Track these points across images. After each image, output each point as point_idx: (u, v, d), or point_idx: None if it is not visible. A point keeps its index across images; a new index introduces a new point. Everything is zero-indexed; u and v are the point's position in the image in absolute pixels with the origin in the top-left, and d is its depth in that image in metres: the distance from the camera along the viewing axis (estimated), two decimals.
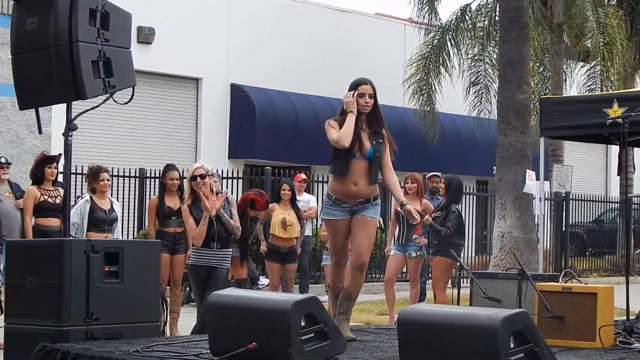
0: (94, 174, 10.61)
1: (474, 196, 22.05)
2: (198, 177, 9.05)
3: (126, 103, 8.40)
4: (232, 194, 16.60)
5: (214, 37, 21.73)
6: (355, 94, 8.50)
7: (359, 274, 8.14)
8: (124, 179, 18.13)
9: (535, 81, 22.84)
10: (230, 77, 22.17)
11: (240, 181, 19.03)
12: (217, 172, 16.37)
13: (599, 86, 22.05)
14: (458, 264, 10.33)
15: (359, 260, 8.07)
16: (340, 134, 8.00)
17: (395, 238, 11.61)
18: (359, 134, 8.20)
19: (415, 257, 11.53)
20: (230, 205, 9.42)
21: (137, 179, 18.33)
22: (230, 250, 9.47)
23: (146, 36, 20.49)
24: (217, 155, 21.63)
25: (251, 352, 6.57)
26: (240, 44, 22.19)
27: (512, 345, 5.90)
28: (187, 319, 11.56)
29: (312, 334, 6.68)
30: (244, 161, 21.89)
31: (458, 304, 10.30)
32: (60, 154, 10.00)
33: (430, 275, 12.17)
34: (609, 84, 22.00)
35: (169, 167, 10.93)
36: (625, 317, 9.55)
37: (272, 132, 21.79)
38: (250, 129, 21.77)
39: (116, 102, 8.22)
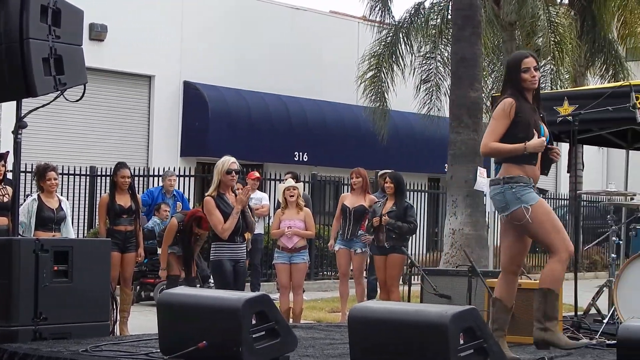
0: (41, 173, 10.51)
1: (426, 193, 22.15)
2: (233, 172, 9.00)
3: (77, 101, 8.34)
4: (184, 192, 16.58)
5: (167, 35, 21.61)
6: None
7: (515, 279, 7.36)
8: (74, 177, 17.99)
9: (488, 79, 23.00)
10: (183, 74, 22.07)
11: (193, 179, 18.97)
12: (172, 170, 16.37)
13: (549, 85, 22.22)
14: (409, 260, 10.36)
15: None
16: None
17: (341, 233, 11.64)
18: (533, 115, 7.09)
19: (360, 253, 11.56)
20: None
21: (87, 177, 18.20)
22: None
23: (98, 33, 20.33)
24: (169, 153, 21.54)
25: (201, 351, 6.55)
26: (193, 42, 22.09)
27: (461, 342, 5.93)
28: (137, 318, 11.51)
29: (263, 332, 6.67)
30: (197, 159, 21.81)
31: (409, 300, 10.35)
32: (8, 152, 9.90)
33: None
34: (559, 82, 22.19)
35: (120, 165, 10.86)
36: (573, 313, 9.66)
37: (225, 130, 21.72)
38: (202, 127, 21.70)
39: (67, 99, 8.16)
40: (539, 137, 6.93)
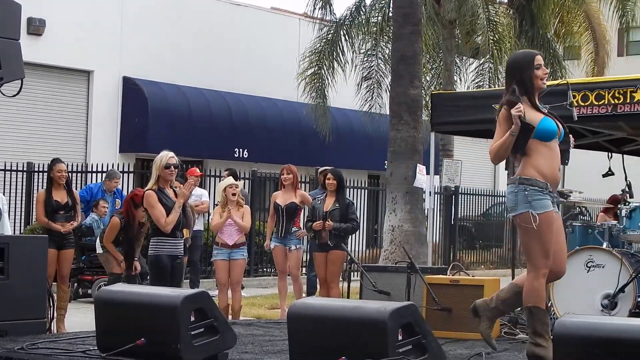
0: None
1: (366, 190, 22.23)
2: (172, 166, 8.91)
3: (14, 95, 8.24)
4: (122, 189, 16.43)
5: (106, 30, 21.42)
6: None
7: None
8: (11, 173, 17.76)
9: (427, 77, 23.14)
10: (122, 70, 21.89)
11: (132, 175, 18.83)
12: (114, 168, 16.22)
13: (487, 83, 22.43)
14: (349, 257, 10.38)
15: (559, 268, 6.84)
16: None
17: (275, 231, 11.64)
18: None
19: (295, 250, 11.57)
20: None
21: (24, 173, 17.97)
22: None
23: (36, 27, 20.08)
24: (107, 149, 21.36)
25: (140, 348, 6.51)
26: (133, 37, 21.93)
27: (400, 338, 5.97)
28: (74, 316, 11.40)
29: (202, 329, 6.65)
30: (136, 155, 21.66)
31: (348, 297, 10.37)
32: None
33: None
34: (497, 81, 22.40)
35: (56, 161, 10.75)
36: None
37: (164, 126, 21.59)
38: (142, 122, 21.55)
39: (4, 94, 8.06)
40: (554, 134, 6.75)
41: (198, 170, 14.73)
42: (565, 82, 9.96)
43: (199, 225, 14.78)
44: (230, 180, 11.44)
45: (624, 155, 12.62)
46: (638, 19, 24.23)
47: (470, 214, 24.52)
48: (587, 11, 25.45)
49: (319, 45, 22.51)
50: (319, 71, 22.33)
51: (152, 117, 21.55)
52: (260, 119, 23.45)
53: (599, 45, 25.81)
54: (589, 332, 5.45)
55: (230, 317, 10.80)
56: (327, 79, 22.34)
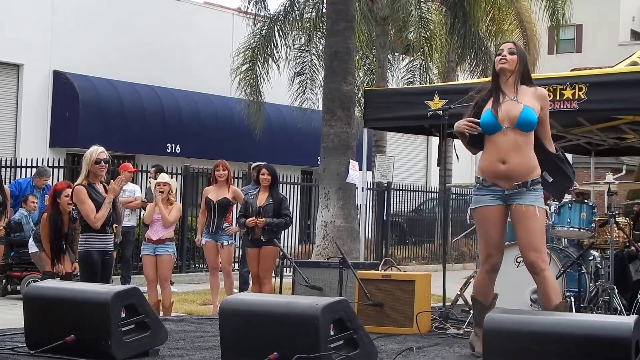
0: None
1: (299, 186, 22.24)
2: (102, 161, 8.79)
3: None
4: (52, 184, 16.21)
5: (36, 23, 21.12)
6: None
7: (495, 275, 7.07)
8: None
9: (361, 73, 23.22)
10: (53, 64, 21.60)
11: (62, 170, 18.60)
12: (40, 162, 16.01)
13: (418, 79, 22.58)
14: (281, 253, 10.39)
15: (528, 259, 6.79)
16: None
17: (206, 226, 11.60)
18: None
19: (226, 245, 11.54)
20: None
21: None
22: None
23: None
24: (37, 143, 21.08)
25: (69, 345, 6.44)
26: (64, 31, 21.65)
27: (332, 333, 5.98)
28: (3, 312, 11.25)
29: (133, 325, 6.61)
30: (66, 150, 21.40)
31: (280, 292, 10.38)
32: None
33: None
34: (428, 77, 22.57)
35: None
36: (441, 304, 9.84)
37: (96, 121, 21.36)
38: (72, 117, 21.29)
39: None
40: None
41: (131, 166, 14.61)
42: None
43: (131, 221, 14.69)
44: (163, 177, 11.36)
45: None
46: (568, 17, 24.59)
47: (403, 209, 24.66)
48: (518, 9, 25.78)
49: (253, 40, 22.48)
50: (253, 67, 22.29)
51: (83, 111, 21.32)
52: (193, 115, 23.32)
53: (529, 43, 26.15)
54: (517, 327, 5.52)
55: (161, 313, 10.74)
56: (262, 75, 22.32)
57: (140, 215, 15.39)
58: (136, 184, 16.21)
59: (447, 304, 9.88)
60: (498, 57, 6.84)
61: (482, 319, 6.62)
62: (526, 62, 6.89)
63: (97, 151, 8.86)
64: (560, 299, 6.74)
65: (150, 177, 15.09)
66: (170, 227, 10.96)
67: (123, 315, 6.54)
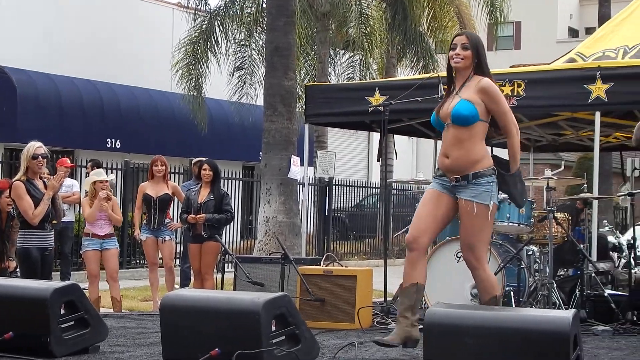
0: None
1: (240, 181, 22.20)
2: (40, 157, 8.66)
3: None
4: None
5: None
6: None
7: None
8: None
9: (302, 69, 23.23)
10: None
11: (0, 165, 18.38)
12: None
13: (358, 75, 22.66)
14: (223, 248, 10.36)
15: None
16: None
17: (146, 222, 11.55)
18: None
19: (168, 241, 11.50)
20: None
21: None
22: None
23: None
24: None
25: (7, 342, 6.37)
26: (1, 24, 21.36)
27: (273, 328, 5.98)
28: None
29: (72, 322, 6.55)
30: (4, 145, 21.13)
31: (222, 288, 10.35)
32: None
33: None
34: (368, 73, 22.66)
35: None
36: (383, 299, 9.89)
37: (34, 116, 21.11)
38: (10, 111, 21.01)
39: None
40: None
41: (68, 161, 14.49)
42: (437, 75, 10.12)
43: (70, 217, 14.55)
44: (101, 174, 11.27)
45: (493, 148, 12.92)
46: (507, 14, 24.84)
47: (344, 205, 24.74)
48: (458, 6, 25.96)
49: (193, 35, 22.38)
50: (194, 62, 22.20)
51: (21, 106, 21.05)
52: (133, 109, 23.15)
53: None
54: (458, 321, 5.56)
55: (110, 309, 10.68)
56: (202, 70, 22.23)
57: (79, 211, 15.25)
58: (75, 179, 16.07)
59: (388, 299, 9.94)
60: (452, 53, 6.74)
61: (402, 305, 6.73)
62: (481, 52, 6.75)
63: (34, 147, 8.77)
64: (491, 295, 6.60)
65: (87, 173, 15.00)
66: (117, 223, 10.98)
67: (63, 311, 6.48)
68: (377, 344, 6.71)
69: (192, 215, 10.72)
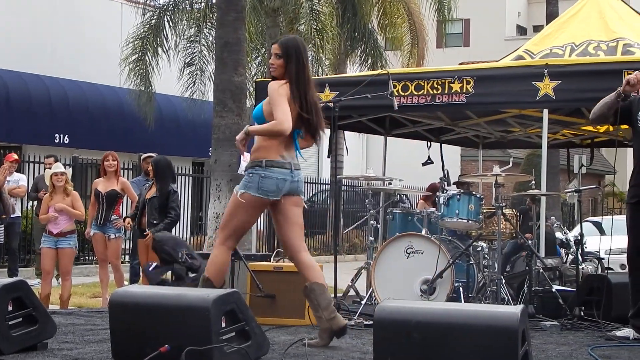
0: None
1: (190, 177, 22.12)
2: None
3: None
4: None
5: None
6: None
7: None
8: None
9: (252, 65, 23.19)
10: None
11: None
12: None
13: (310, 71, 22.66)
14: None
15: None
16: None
17: (95, 218, 11.48)
18: None
19: (114, 238, 11.44)
20: None
21: None
22: None
23: None
24: None
25: None
26: None
27: (223, 325, 5.97)
28: None
29: (20, 319, 6.48)
30: None
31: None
32: None
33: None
34: (321, 69, 22.67)
35: None
36: (333, 295, 9.90)
37: None
38: None
39: None
40: None
41: (15, 156, 14.36)
42: (386, 72, 10.18)
43: (16, 212, 14.41)
44: (58, 167, 11.18)
45: (442, 145, 13.01)
46: (455, 11, 25.00)
47: None
48: (407, 3, 26.08)
49: (142, 30, 22.23)
50: (143, 57, 22.05)
51: None
52: (81, 105, 22.95)
53: (418, 37, 26.48)
54: (407, 317, 5.59)
55: (51, 306, 10.58)
56: (151, 65, 22.10)
57: (27, 207, 15.12)
58: (23, 174, 15.93)
59: (338, 295, 9.96)
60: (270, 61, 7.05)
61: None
62: (298, 57, 6.99)
63: None
64: (216, 277, 6.95)
65: (45, 167, 14.86)
66: (78, 218, 10.88)
67: (10, 308, 6.41)
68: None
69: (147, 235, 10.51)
